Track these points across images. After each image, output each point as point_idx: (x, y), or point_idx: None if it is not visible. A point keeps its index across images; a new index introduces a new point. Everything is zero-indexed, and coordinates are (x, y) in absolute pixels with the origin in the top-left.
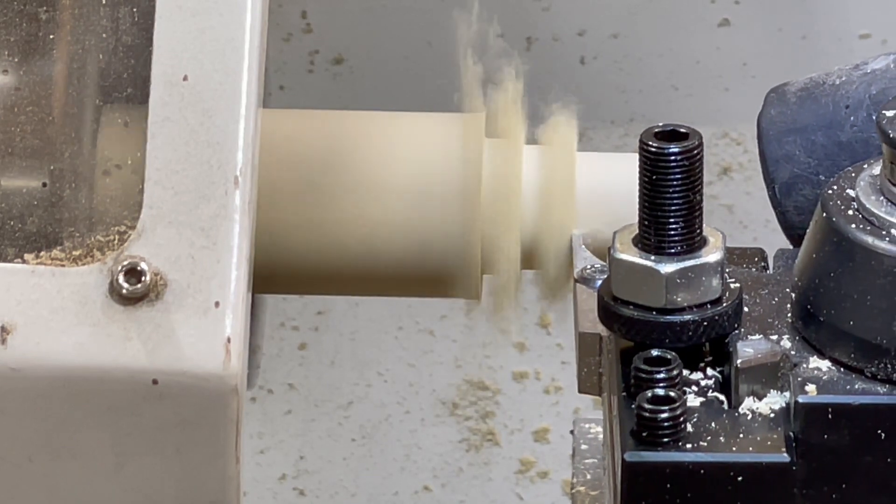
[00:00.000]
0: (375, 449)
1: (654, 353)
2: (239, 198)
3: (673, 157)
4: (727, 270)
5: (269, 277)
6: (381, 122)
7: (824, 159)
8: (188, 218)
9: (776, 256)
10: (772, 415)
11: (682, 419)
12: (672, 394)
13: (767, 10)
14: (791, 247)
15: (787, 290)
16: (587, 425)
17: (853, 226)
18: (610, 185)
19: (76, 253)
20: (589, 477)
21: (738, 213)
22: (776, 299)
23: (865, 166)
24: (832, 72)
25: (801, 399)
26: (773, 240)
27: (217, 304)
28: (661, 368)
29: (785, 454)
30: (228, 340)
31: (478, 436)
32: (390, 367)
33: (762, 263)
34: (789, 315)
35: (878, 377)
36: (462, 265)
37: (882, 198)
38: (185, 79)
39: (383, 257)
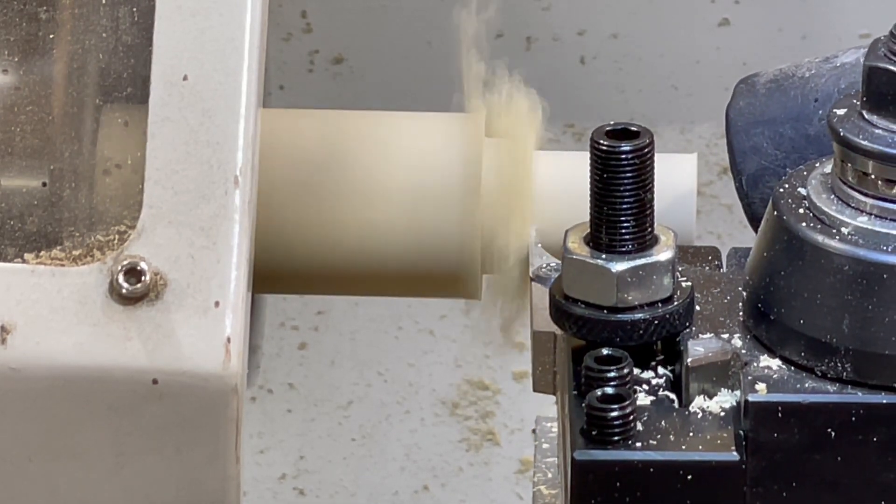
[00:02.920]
0: (375, 449)
1: (605, 351)
2: (239, 198)
3: (624, 156)
4: (679, 269)
5: (269, 277)
6: (381, 122)
7: (792, 152)
8: (188, 218)
9: (729, 255)
10: (722, 413)
11: (632, 418)
12: (622, 392)
13: (767, 10)
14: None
15: (739, 288)
16: (548, 424)
17: (804, 224)
18: (568, 183)
19: (76, 253)
20: (549, 476)
21: (738, 212)
22: (728, 298)
23: (817, 165)
24: (802, 64)
25: (751, 398)
26: None
27: (217, 303)
28: (612, 367)
29: (735, 453)
30: (228, 340)
31: (478, 436)
32: (390, 367)
33: (716, 262)
34: (741, 314)
35: (828, 376)
36: (462, 265)
37: (833, 196)
38: (185, 79)
39: (383, 257)
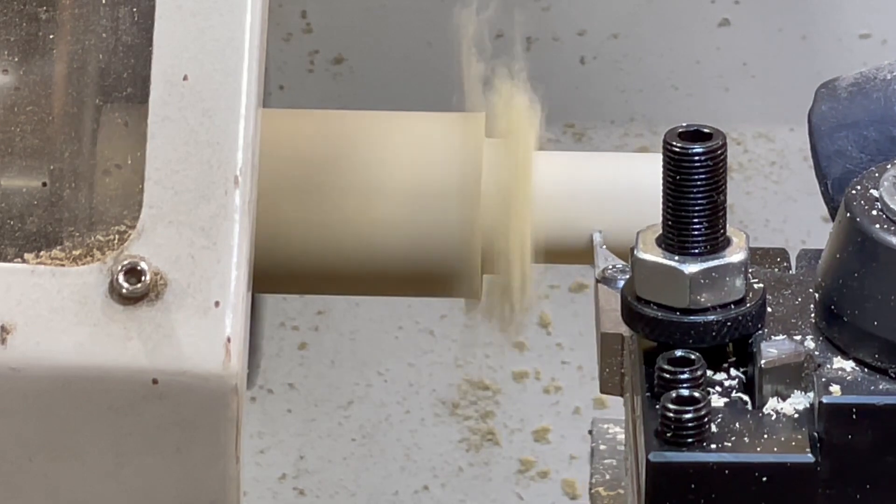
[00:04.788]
0: (375, 449)
1: (678, 353)
2: (239, 198)
3: (697, 158)
4: (750, 270)
5: (269, 277)
6: (381, 122)
7: (877, 154)
8: (188, 218)
9: (799, 256)
10: (796, 415)
11: (706, 420)
12: (696, 394)
13: (767, 10)
14: None
15: (811, 290)
16: (605, 426)
17: (877, 226)
18: (568, 183)
19: (76, 253)
20: (608, 477)
21: (738, 213)
22: (799, 299)
23: (889, 166)
24: (882, 66)
25: (825, 399)
26: (773, 239)
27: (217, 303)
28: (685, 369)
29: (809, 454)
30: (228, 340)
31: (478, 436)
32: (390, 367)
33: (785, 263)
34: (813, 315)
35: None
36: (462, 265)
37: None
38: (185, 79)
39: (383, 257)
